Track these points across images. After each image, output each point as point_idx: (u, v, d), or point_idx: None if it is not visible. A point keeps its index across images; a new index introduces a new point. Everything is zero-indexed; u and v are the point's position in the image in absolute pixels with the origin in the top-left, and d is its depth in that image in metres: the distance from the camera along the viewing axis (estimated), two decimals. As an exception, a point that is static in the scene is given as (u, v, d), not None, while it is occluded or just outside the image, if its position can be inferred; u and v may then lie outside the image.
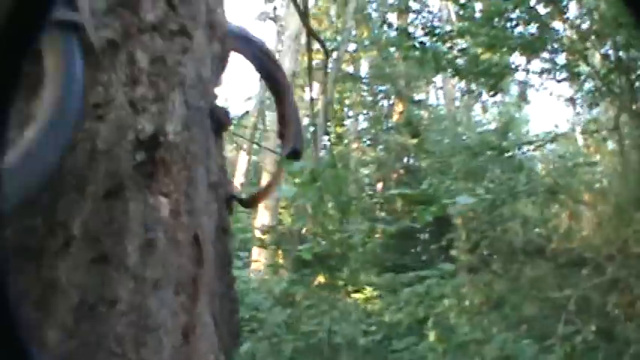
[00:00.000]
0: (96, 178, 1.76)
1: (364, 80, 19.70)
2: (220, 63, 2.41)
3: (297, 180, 5.97)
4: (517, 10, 9.19)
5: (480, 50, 10.36)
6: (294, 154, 2.98)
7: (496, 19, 9.24)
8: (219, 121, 2.32)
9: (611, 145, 12.27)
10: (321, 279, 8.63)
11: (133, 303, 1.70)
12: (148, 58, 1.97)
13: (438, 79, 18.19)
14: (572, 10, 9.93)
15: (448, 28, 11.78)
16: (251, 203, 2.99)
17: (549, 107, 25.67)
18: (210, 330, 1.98)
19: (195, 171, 2.02)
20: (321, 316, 7.93)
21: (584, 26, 9.67)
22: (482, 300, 9.47)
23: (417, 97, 19.01)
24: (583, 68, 10.39)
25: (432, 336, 7.91)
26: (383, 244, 11.78)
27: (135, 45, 1.95)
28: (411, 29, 12.48)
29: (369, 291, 9.74)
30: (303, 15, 6.33)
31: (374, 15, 17.90)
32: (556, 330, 8.24)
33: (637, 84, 9.66)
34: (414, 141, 16.15)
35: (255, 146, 16.19)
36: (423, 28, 11.40)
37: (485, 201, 10.12)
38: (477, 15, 10.07)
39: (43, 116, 1.61)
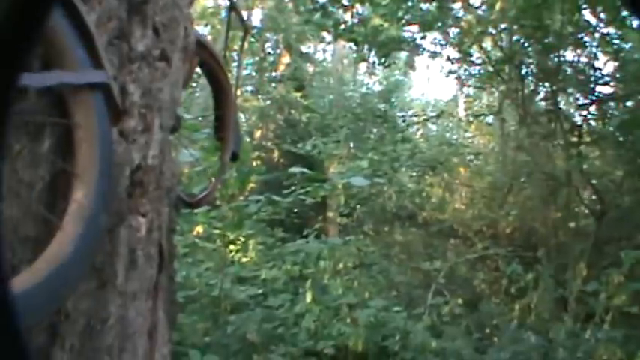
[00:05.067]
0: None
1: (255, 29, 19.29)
2: (185, 79, 2.44)
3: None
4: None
5: (377, 21, 10.43)
6: (233, 157, 2.97)
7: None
8: (173, 126, 2.28)
9: (491, 126, 12.87)
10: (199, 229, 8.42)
11: (119, 316, 1.84)
12: (139, 89, 1.94)
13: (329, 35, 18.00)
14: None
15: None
16: (196, 205, 3.04)
17: (435, 77, 26.42)
18: (163, 324, 2.11)
19: (164, 187, 2.08)
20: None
21: (481, 13, 9.98)
22: (354, 263, 9.70)
23: (304, 49, 18.75)
24: (474, 51, 10.76)
25: (308, 297, 8.00)
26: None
27: (126, 76, 1.91)
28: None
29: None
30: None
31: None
32: (425, 299, 8.61)
33: (524, 73, 10.13)
34: (298, 94, 16.05)
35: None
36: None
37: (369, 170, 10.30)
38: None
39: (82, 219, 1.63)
